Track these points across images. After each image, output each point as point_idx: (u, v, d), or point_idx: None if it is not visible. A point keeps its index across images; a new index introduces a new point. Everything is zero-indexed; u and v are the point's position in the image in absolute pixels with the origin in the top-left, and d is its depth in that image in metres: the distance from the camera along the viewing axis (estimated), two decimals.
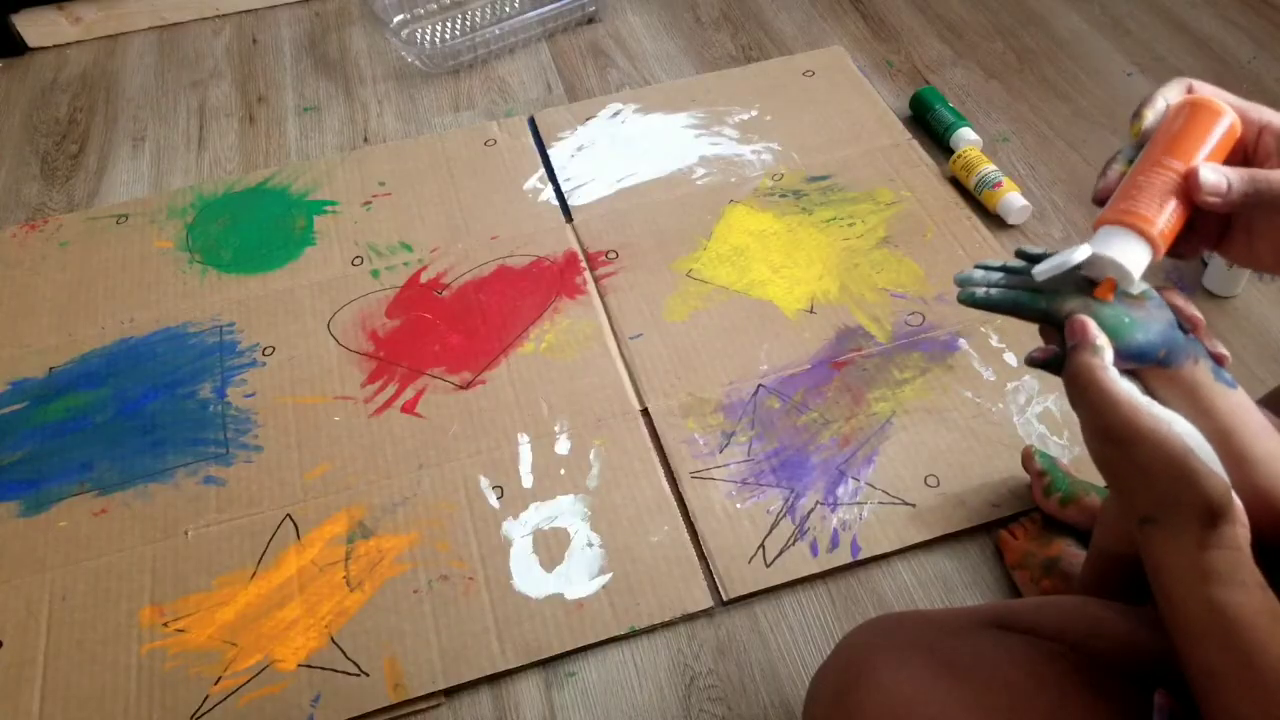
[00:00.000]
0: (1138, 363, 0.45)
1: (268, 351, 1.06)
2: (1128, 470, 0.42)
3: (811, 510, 0.90)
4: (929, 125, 1.27)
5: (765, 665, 0.82)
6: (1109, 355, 0.42)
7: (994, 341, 1.02)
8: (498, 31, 1.44)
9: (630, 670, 0.82)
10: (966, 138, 1.22)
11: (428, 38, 1.49)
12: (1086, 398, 0.41)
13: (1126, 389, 0.41)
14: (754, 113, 1.31)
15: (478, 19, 1.52)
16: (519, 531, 0.90)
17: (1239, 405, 0.44)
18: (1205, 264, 1.07)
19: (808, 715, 0.55)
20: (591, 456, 0.95)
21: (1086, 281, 0.46)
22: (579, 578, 0.86)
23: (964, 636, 0.52)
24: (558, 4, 1.46)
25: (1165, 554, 0.42)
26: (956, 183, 1.19)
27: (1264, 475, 0.44)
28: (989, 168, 1.16)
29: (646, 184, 1.23)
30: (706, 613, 0.85)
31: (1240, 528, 0.41)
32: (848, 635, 0.55)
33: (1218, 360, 0.45)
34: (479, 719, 0.80)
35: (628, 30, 1.50)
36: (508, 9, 1.53)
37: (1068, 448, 0.93)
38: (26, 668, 0.83)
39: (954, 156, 1.20)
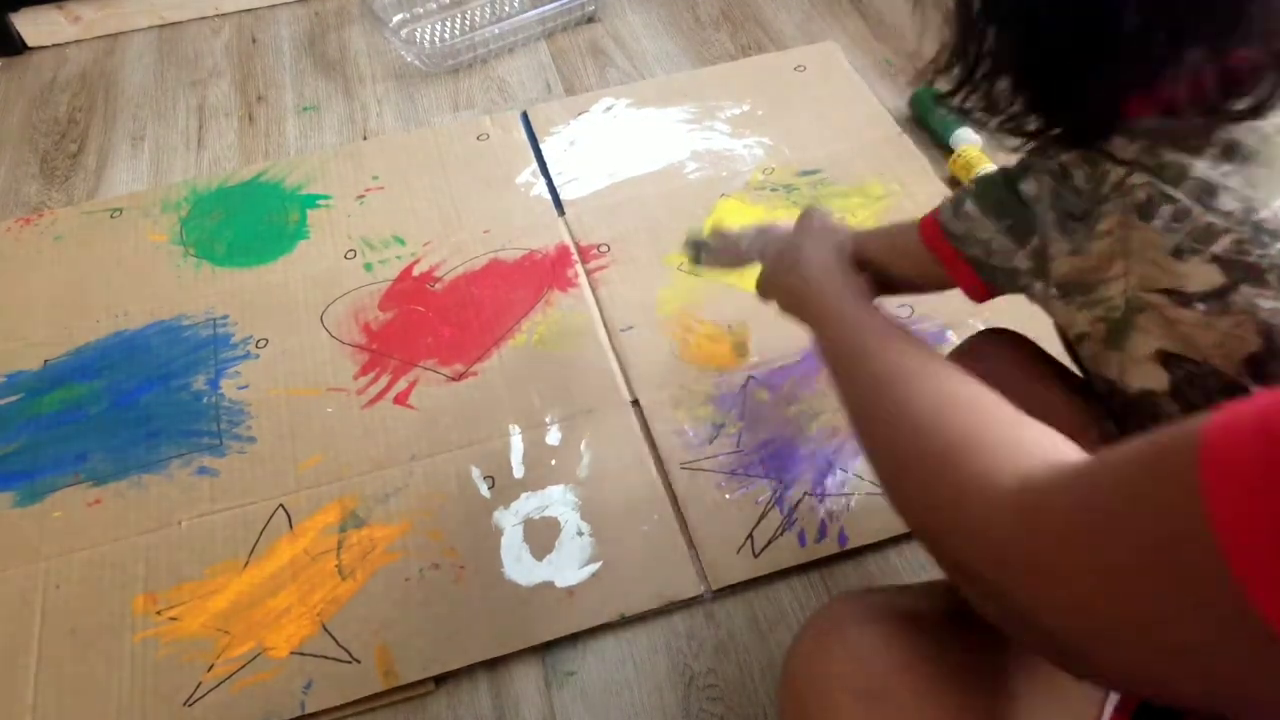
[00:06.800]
0: None
1: (261, 344, 1.07)
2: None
3: (799, 501, 0.91)
4: (929, 125, 1.27)
5: (765, 664, 0.82)
6: None
7: None
8: (497, 31, 1.44)
9: (629, 670, 0.82)
10: (966, 137, 1.22)
11: (427, 37, 1.50)
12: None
13: None
14: (745, 107, 1.32)
15: (477, 18, 1.52)
16: (510, 521, 0.91)
17: None
18: None
19: (783, 690, 0.55)
20: (582, 447, 0.96)
21: None
22: (569, 566, 0.87)
23: (930, 596, 0.53)
24: (557, 3, 1.47)
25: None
26: (956, 183, 1.19)
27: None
28: (989, 167, 1.16)
29: (638, 178, 1.23)
30: (706, 612, 0.85)
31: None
32: (817, 610, 0.56)
33: None
34: (479, 719, 0.81)
35: (627, 30, 1.51)
36: (507, 8, 1.53)
37: None
38: (20, 656, 0.84)
39: (953, 156, 1.20)
